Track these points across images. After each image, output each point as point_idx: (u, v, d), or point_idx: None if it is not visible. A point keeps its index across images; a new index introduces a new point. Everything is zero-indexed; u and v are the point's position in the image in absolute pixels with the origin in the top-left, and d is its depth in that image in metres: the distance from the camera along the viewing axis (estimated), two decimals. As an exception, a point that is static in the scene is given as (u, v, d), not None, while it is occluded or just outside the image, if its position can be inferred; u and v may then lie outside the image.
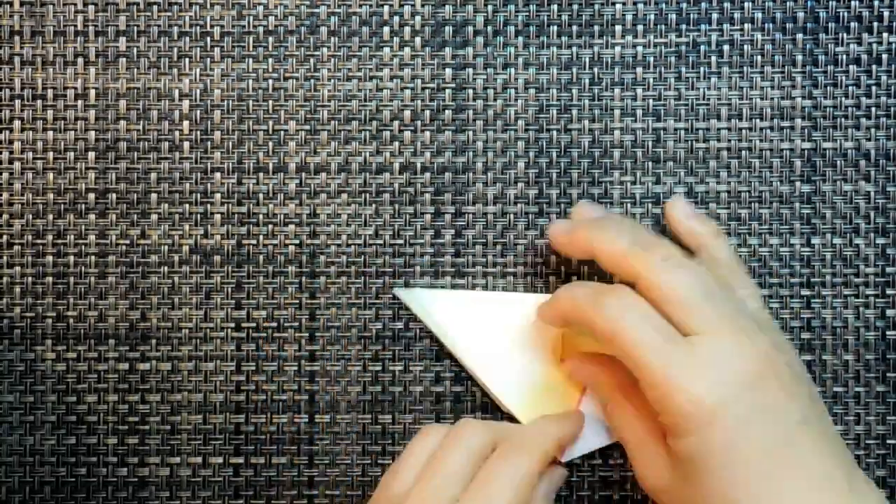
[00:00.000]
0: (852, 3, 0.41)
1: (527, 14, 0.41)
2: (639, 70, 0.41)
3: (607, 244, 0.35)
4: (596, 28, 0.41)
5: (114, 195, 0.41)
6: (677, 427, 0.32)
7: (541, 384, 0.39)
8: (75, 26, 0.41)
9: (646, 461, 0.35)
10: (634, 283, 0.34)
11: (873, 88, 0.40)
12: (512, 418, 0.39)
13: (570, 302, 0.35)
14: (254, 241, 0.41)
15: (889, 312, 0.40)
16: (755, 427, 0.32)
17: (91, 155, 0.41)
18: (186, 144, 0.41)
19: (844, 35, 0.41)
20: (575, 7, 0.41)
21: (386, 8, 0.41)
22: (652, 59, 0.41)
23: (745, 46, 0.41)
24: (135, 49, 0.41)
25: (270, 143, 0.41)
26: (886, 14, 0.41)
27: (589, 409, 0.39)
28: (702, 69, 0.41)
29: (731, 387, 0.32)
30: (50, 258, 0.41)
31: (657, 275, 0.33)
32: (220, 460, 0.40)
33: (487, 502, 0.33)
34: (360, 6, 0.41)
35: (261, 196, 0.41)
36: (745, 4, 0.41)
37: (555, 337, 0.39)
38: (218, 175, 0.41)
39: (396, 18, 0.41)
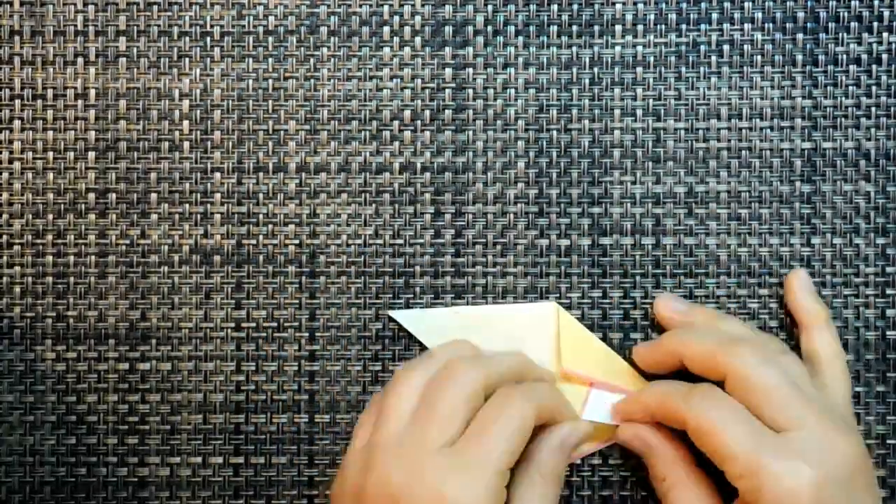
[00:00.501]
0: (852, 3, 0.41)
1: (527, 14, 0.41)
2: (639, 70, 0.41)
3: (696, 346, 0.36)
4: (596, 28, 0.41)
5: (114, 195, 0.41)
6: None
7: None
8: (75, 26, 0.41)
9: None
10: (724, 381, 0.35)
11: (873, 88, 0.40)
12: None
13: (658, 397, 0.36)
14: (254, 241, 0.41)
15: (889, 312, 0.40)
16: None
17: (91, 155, 0.41)
18: (186, 144, 0.41)
19: (844, 35, 0.41)
20: (575, 7, 0.41)
21: (386, 8, 0.41)
22: (652, 59, 0.41)
23: (745, 46, 0.41)
24: (135, 49, 0.41)
25: (270, 143, 0.41)
26: (886, 14, 0.41)
27: (591, 410, 0.39)
28: (702, 69, 0.41)
29: (829, 485, 0.32)
30: (50, 258, 0.41)
31: (746, 370, 0.34)
32: (220, 460, 0.40)
33: (486, 452, 0.33)
34: (360, 6, 0.41)
35: (261, 196, 0.41)
36: (745, 4, 0.41)
37: (552, 342, 0.39)
38: (218, 175, 0.41)
39: (396, 18, 0.41)
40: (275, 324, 0.41)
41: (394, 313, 0.40)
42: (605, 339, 0.40)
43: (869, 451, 0.39)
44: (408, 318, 0.40)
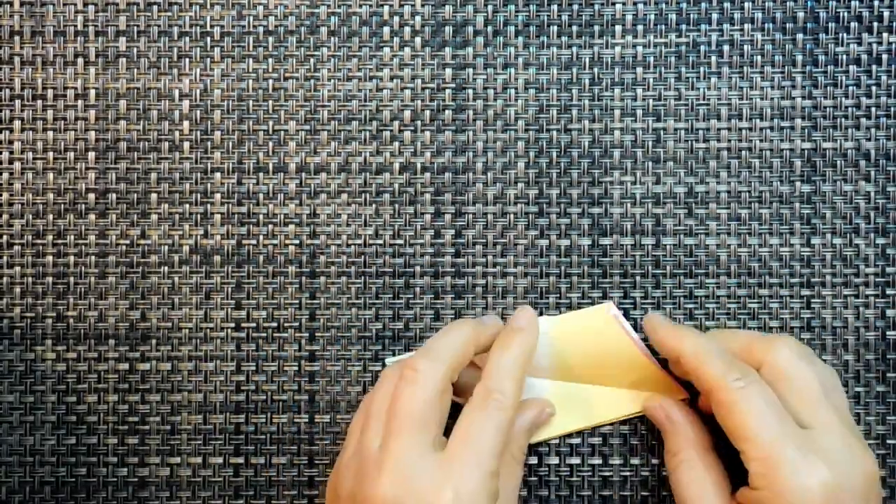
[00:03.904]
0: (852, 3, 0.41)
1: (527, 14, 0.41)
2: (639, 70, 0.41)
3: (730, 336, 0.37)
4: (596, 28, 0.41)
5: (114, 195, 0.41)
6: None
7: (558, 393, 0.40)
8: (75, 26, 0.41)
9: None
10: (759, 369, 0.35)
11: (873, 88, 0.40)
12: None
13: (697, 357, 0.36)
14: (254, 241, 0.41)
15: (889, 312, 0.40)
16: None
17: (91, 155, 0.41)
18: (186, 144, 0.41)
19: (844, 35, 0.41)
20: (575, 7, 0.41)
21: (386, 8, 0.41)
22: (652, 59, 0.41)
23: (745, 46, 0.41)
24: (135, 49, 0.41)
25: (270, 143, 0.41)
26: (886, 14, 0.41)
27: (562, 391, 0.39)
28: (702, 69, 0.41)
29: (843, 491, 0.33)
30: (50, 258, 0.41)
31: (784, 362, 0.35)
32: (220, 460, 0.40)
33: (474, 455, 0.33)
34: (360, 6, 0.41)
35: (261, 196, 0.41)
36: (745, 4, 0.41)
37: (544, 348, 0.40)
38: (218, 175, 0.41)
39: (396, 18, 0.41)
40: (275, 324, 0.41)
41: (390, 361, 0.40)
42: (605, 339, 0.40)
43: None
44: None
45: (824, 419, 0.34)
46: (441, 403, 0.35)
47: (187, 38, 0.41)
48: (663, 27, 0.41)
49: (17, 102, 0.41)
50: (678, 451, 0.37)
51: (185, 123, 0.41)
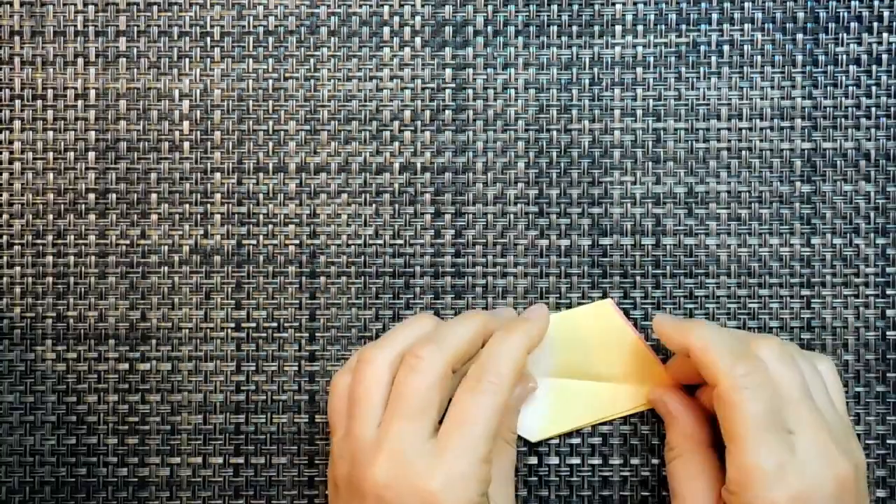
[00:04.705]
0: (852, 3, 0.41)
1: (527, 14, 0.41)
2: (639, 70, 0.41)
3: (728, 332, 0.36)
4: (596, 28, 0.41)
5: (114, 195, 0.41)
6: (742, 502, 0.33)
7: (560, 390, 0.40)
8: (75, 26, 0.41)
9: None
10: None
11: (873, 88, 0.40)
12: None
13: (705, 348, 0.35)
14: (254, 241, 0.41)
15: (889, 312, 0.40)
16: None
17: (91, 155, 0.41)
18: (186, 144, 0.41)
19: (844, 35, 0.41)
20: (575, 7, 0.41)
21: (386, 8, 0.41)
22: (652, 59, 0.41)
23: (745, 46, 0.41)
24: (135, 49, 0.41)
25: (270, 143, 0.41)
26: (886, 14, 0.41)
27: (564, 388, 0.39)
28: (702, 69, 0.41)
29: (814, 500, 0.33)
30: (50, 258, 0.41)
31: (770, 361, 0.35)
32: (220, 460, 0.40)
33: (467, 442, 0.33)
34: (360, 6, 0.41)
35: (261, 196, 0.41)
36: (745, 4, 0.41)
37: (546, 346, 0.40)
38: (218, 175, 0.41)
39: (396, 18, 0.41)
40: (275, 324, 0.41)
41: None
42: (605, 339, 0.40)
43: (868, 450, 0.39)
44: None
45: (802, 422, 0.34)
46: (441, 390, 0.34)
47: (187, 38, 0.41)
48: (663, 27, 0.41)
49: (17, 102, 0.41)
50: (676, 445, 0.37)
51: (185, 123, 0.41)
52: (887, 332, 0.40)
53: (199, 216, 0.41)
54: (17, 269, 0.41)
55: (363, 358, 0.36)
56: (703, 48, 0.41)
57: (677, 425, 0.38)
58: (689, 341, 0.35)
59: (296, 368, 0.41)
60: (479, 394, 0.34)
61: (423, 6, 0.41)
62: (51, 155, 0.41)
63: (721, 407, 0.34)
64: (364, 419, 0.35)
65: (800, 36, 0.41)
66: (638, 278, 0.40)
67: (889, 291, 0.40)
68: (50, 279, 0.41)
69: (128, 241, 0.41)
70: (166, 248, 0.41)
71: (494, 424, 0.34)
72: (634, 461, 0.40)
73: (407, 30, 0.41)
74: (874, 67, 0.40)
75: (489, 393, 0.34)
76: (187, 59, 0.41)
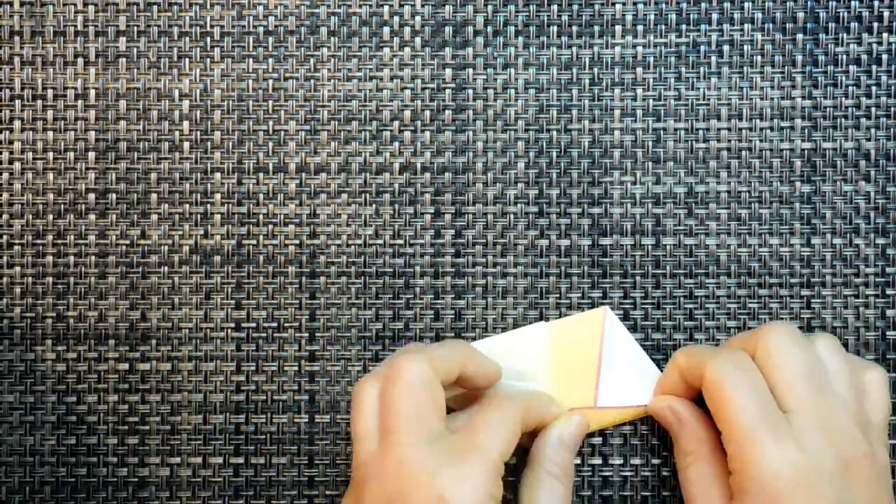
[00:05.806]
0: (852, 3, 0.41)
1: (527, 14, 0.41)
2: (639, 70, 0.41)
3: (738, 339, 0.37)
4: (596, 28, 0.41)
5: (114, 195, 0.41)
6: (747, 491, 0.33)
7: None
8: (75, 26, 0.41)
9: None
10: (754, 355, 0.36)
11: (873, 88, 0.40)
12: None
13: (687, 350, 0.37)
14: (254, 241, 0.41)
15: (889, 312, 0.40)
16: None
17: (91, 155, 0.41)
18: (186, 144, 0.41)
19: (844, 35, 0.41)
20: (575, 7, 0.41)
21: (386, 8, 0.41)
22: (652, 59, 0.41)
23: (745, 46, 0.41)
24: (135, 49, 0.41)
25: (270, 143, 0.41)
26: (886, 14, 0.41)
27: (604, 395, 0.39)
28: (702, 69, 0.41)
29: (813, 471, 0.32)
30: (50, 258, 0.41)
31: (770, 346, 0.35)
32: (220, 460, 0.40)
33: (478, 444, 0.33)
34: (360, 6, 0.41)
35: (261, 196, 0.41)
36: (745, 4, 0.41)
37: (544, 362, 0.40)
38: (218, 175, 0.41)
39: (396, 18, 0.41)
40: (275, 324, 0.41)
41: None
42: (605, 339, 0.40)
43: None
44: None
45: (803, 401, 0.34)
46: (430, 396, 0.34)
47: (187, 38, 0.41)
48: (663, 27, 0.41)
49: (17, 102, 0.41)
50: (691, 451, 0.37)
51: (185, 123, 0.41)
52: (887, 332, 0.40)
53: (199, 216, 0.41)
54: (17, 269, 0.41)
55: (354, 394, 0.35)
56: (703, 48, 0.41)
57: (690, 431, 0.37)
58: (678, 353, 0.38)
59: (296, 368, 0.41)
60: (497, 405, 0.35)
61: (423, 6, 0.41)
62: (51, 155, 0.41)
63: (710, 397, 0.35)
64: (364, 447, 0.34)
65: (800, 36, 0.41)
66: (638, 278, 0.40)
67: (889, 291, 0.40)
68: (50, 279, 0.41)
69: (128, 241, 0.41)
70: (166, 248, 0.41)
71: (508, 431, 0.34)
72: (635, 461, 0.40)
73: (407, 30, 0.41)
74: (874, 67, 0.40)
75: (506, 402, 0.35)
76: (187, 59, 0.41)
